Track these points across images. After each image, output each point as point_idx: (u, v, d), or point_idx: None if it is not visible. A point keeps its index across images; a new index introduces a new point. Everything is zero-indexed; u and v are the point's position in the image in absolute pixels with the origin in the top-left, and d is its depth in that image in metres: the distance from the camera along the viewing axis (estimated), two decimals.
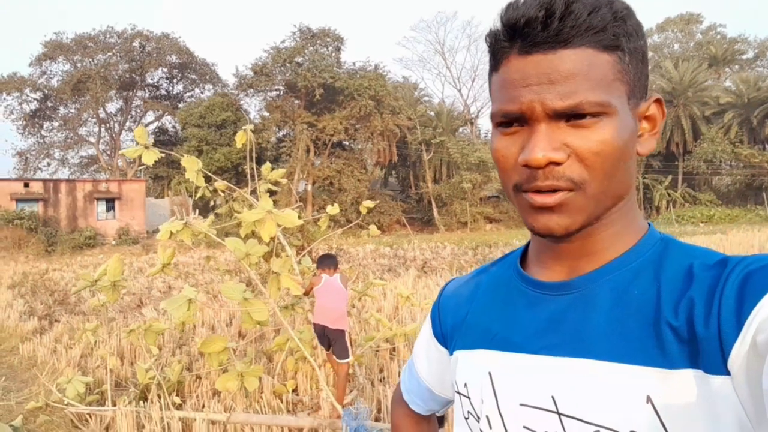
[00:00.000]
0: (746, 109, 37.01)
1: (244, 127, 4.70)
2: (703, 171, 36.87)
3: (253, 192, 4.92)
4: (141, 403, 4.82)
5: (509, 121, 0.63)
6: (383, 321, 6.21)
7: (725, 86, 41.02)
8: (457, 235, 30.75)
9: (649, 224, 0.69)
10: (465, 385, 0.74)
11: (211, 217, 4.59)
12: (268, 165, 5.07)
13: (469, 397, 0.73)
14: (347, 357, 4.79)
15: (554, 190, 0.60)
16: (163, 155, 4.31)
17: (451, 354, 0.80)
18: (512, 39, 0.61)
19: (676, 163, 37.42)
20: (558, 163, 0.59)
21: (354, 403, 4.56)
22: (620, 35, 0.59)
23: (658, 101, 0.66)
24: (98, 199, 30.74)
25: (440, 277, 12.28)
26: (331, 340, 4.88)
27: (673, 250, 0.64)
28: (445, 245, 22.01)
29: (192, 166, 4.38)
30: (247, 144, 4.62)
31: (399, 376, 5.36)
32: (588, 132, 0.59)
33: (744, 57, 47.37)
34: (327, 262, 5.12)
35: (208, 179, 4.74)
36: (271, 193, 5.14)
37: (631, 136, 0.62)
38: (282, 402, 4.90)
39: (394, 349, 6.11)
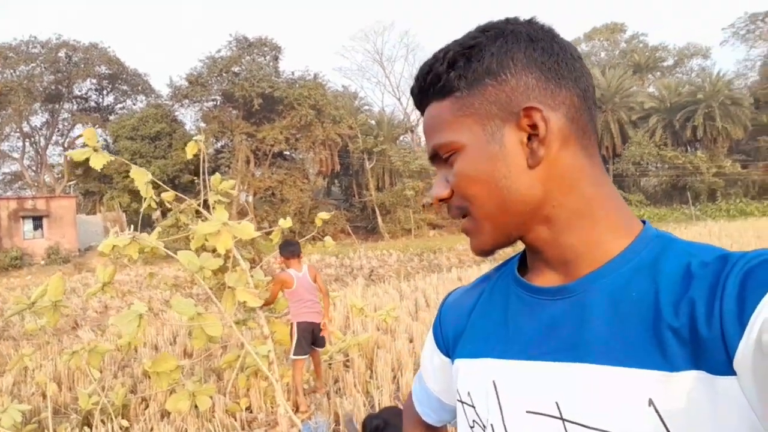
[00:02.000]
0: (669, 113, 39.21)
1: (195, 138, 4.57)
2: (631, 173, 38.76)
3: (202, 204, 4.78)
4: (84, 429, 4.55)
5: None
6: (336, 333, 6.14)
7: (649, 92, 43.40)
8: (402, 242, 30.96)
9: (644, 222, 0.68)
10: (468, 394, 0.73)
11: (158, 230, 4.41)
12: (218, 176, 4.93)
13: (473, 406, 0.72)
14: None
15: (456, 218, 0.71)
16: (112, 158, 4.12)
17: (453, 363, 0.80)
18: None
19: (607, 166, 39.13)
20: (446, 199, 0.70)
21: (312, 416, 4.46)
22: (453, 79, 0.67)
23: (529, 109, 0.63)
24: (24, 218, 29.07)
25: (388, 285, 12.29)
26: (315, 336, 5.04)
27: (669, 247, 0.63)
28: (391, 253, 22.11)
29: (141, 177, 4.21)
30: (200, 155, 4.49)
31: (355, 387, 5.32)
32: (453, 167, 0.68)
33: (665, 64, 50.25)
34: (291, 249, 5.11)
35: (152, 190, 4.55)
36: (206, 204, 5.00)
37: (493, 158, 0.65)
38: (236, 421, 4.74)
39: (347, 359, 6.04)
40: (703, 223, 25.83)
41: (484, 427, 0.69)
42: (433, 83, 0.68)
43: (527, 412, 0.64)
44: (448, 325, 0.83)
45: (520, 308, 0.70)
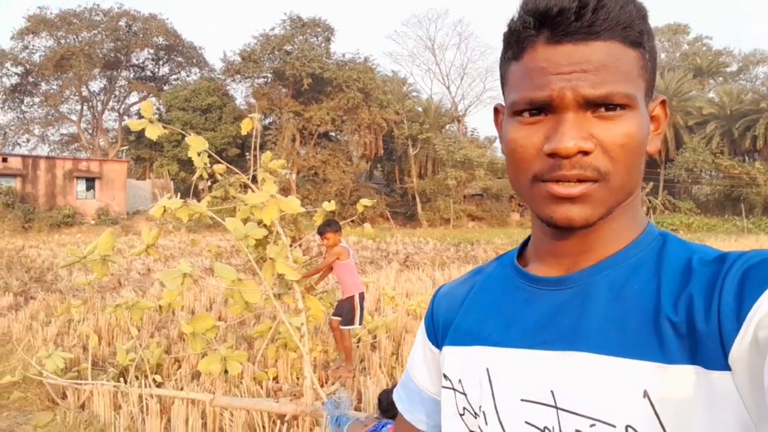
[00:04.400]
0: (728, 120, 37.67)
1: (251, 115, 4.68)
2: (683, 179, 37.48)
3: (251, 179, 4.91)
4: (120, 383, 4.76)
5: (533, 109, 0.62)
6: (365, 319, 6.23)
7: (709, 97, 41.72)
8: (440, 231, 30.88)
9: (648, 220, 0.69)
10: (460, 381, 0.73)
11: (207, 199, 4.56)
12: (268, 154, 5.05)
13: (465, 394, 0.72)
14: None
15: (579, 180, 0.60)
16: (166, 131, 4.25)
17: (441, 350, 0.79)
18: (540, 28, 0.61)
19: (658, 170, 37.95)
20: (586, 153, 0.59)
21: (336, 392, 4.55)
22: (644, 32, 0.61)
23: (663, 102, 0.68)
24: (78, 178, 30.27)
25: (422, 272, 12.32)
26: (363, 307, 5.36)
27: (672, 245, 0.64)
28: (428, 240, 22.10)
29: (198, 146, 4.34)
30: (253, 132, 4.62)
31: (380, 368, 5.39)
32: (613, 124, 0.60)
33: (728, 70, 48.18)
34: (337, 225, 5.39)
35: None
36: (255, 179, 5.13)
37: (647, 132, 0.63)
38: (262, 389, 4.88)
39: (375, 340, 6.12)
40: (755, 237, 24.85)
41: (476, 414, 0.69)
42: (622, 23, 0.59)
43: (521, 400, 0.64)
44: (440, 315, 0.82)
45: (519, 298, 0.70)
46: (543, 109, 0.61)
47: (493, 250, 18.79)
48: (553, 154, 0.60)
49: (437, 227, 33.83)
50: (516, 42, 0.64)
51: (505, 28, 0.66)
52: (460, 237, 24.56)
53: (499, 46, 0.67)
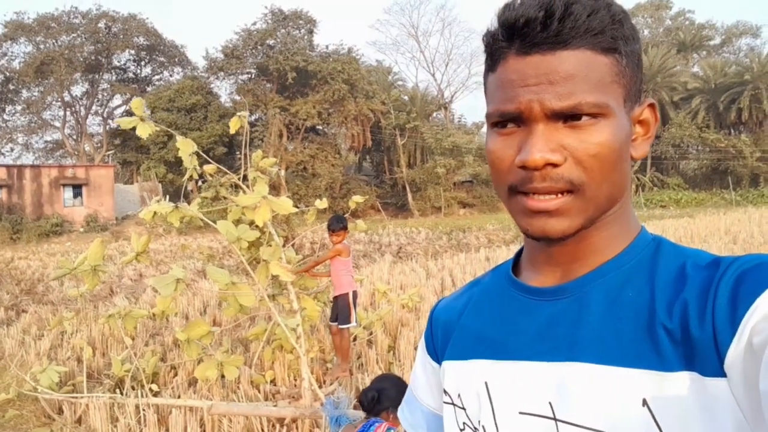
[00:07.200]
0: (713, 94, 37.85)
1: (238, 113, 4.63)
2: (671, 155, 37.68)
3: (241, 178, 4.87)
4: (116, 394, 4.72)
5: (506, 121, 0.63)
6: (359, 315, 6.21)
7: (693, 72, 41.88)
8: (431, 219, 30.88)
9: (641, 225, 0.69)
10: (459, 396, 0.73)
11: (198, 200, 4.50)
12: (259, 153, 5.00)
13: (464, 408, 0.71)
14: None
15: (551, 193, 0.60)
16: (157, 128, 4.17)
17: (441, 365, 0.78)
18: (510, 39, 0.61)
19: None
20: (555, 165, 0.59)
21: (335, 392, 4.54)
22: (618, 38, 0.60)
23: (651, 106, 0.66)
24: (65, 186, 29.92)
25: (416, 263, 12.31)
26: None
27: (665, 250, 0.64)
28: (420, 230, 22.10)
29: (187, 148, 4.28)
30: (244, 131, 4.57)
31: (377, 363, 5.38)
32: (585, 134, 0.59)
33: (711, 43, 48.33)
34: (345, 223, 5.40)
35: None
36: (246, 178, 5.07)
37: (626, 139, 0.62)
38: (260, 393, 4.85)
39: (371, 335, 6.11)
40: (743, 209, 25.05)
41: (476, 429, 0.69)
42: (592, 30, 0.58)
43: (520, 413, 0.64)
44: (438, 330, 0.82)
45: (515, 310, 0.70)
46: (515, 120, 0.62)
47: (485, 236, 18.83)
48: (524, 167, 0.60)
49: (428, 216, 33.82)
50: (490, 54, 0.65)
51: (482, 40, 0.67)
52: (451, 225, 24.59)
53: (483, 29, 0.68)
